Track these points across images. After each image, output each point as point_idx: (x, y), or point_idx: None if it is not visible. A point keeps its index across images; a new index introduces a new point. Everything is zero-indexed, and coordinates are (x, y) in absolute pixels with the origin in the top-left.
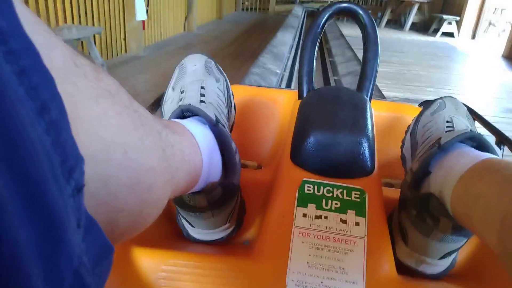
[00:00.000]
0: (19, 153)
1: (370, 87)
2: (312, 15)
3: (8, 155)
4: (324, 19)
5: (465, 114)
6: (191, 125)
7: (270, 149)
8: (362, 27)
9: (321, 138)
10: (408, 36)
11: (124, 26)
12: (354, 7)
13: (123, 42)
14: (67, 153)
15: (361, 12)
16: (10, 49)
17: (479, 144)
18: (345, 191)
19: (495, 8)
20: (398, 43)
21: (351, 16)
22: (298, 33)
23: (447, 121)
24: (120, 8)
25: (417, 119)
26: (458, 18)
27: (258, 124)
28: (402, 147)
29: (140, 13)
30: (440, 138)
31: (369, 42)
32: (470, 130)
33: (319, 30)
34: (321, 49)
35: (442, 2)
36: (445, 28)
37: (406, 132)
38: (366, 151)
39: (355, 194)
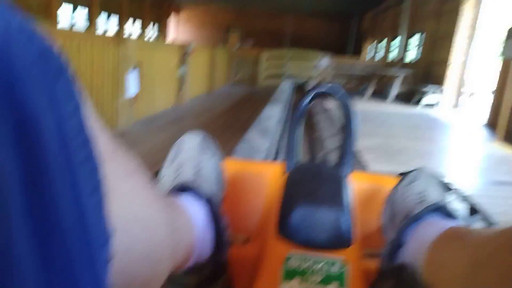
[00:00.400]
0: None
1: (349, 162)
2: (300, 90)
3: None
4: (308, 100)
5: (438, 185)
6: (187, 201)
7: (258, 222)
8: (341, 107)
9: (304, 212)
10: (392, 107)
11: (115, 101)
12: (334, 89)
13: (112, 117)
14: (102, 228)
15: (340, 93)
16: (82, 139)
17: (448, 213)
18: (327, 263)
19: (474, 79)
20: (383, 115)
21: (332, 96)
22: (286, 106)
23: (420, 192)
24: (112, 83)
25: (394, 191)
26: (440, 89)
27: (247, 197)
28: (382, 219)
29: (132, 88)
30: (412, 209)
31: (348, 121)
32: (440, 200)
33: (304, 110)
34: (308, 122)
35: (423, 73)
36: (428, 99)
37: (385, 203)
38: (346, 224)
39: (337, 266)
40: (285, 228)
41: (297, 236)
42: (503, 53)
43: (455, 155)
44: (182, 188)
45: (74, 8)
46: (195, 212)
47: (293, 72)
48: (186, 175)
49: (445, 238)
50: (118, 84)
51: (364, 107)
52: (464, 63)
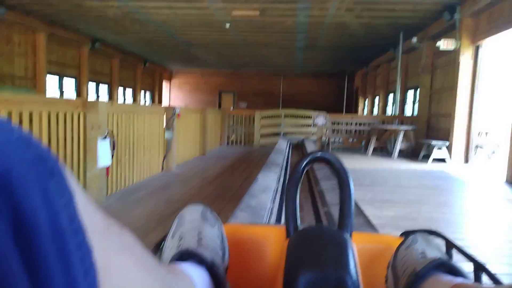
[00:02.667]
0: None
1: (350, 223)
2: (297, 148)
3: None
4: (303, 166)
5: (435, 247)
6: (189, 268)
7: (263, 286)
8: (335, 172)
9: (309, 277)
10: (398, 165)
11: (84, 173)
12: (327, 156)
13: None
14: None
15: (333, 159)
16: (74, 229)
17: (451, 269)
18: None
19: (479, 132)
20: (392, 174)
21: (325, 163)
22: (283, 171)
23: (421, 253)
24: (80, 153)
25: (395, 254)
26: (447, 143)
27: (249, 262)
28: (386, 281)
29: (104, 159)
30: (415, 268)
31: (344, 185)
32: (442, 257)
33: (299, 175)
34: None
35: (426, 128)
36: (436, 154)
37: (388, 267)
38: (351, 286)
39: None
40: None
41: None
42: None
43: (491, 224)
44: (184, 256)
45: (60, 78)
46: (198, 279)
47: (288, 131)
48: (188, 244)
49: None
50: (88, 154)
51: (371, 166)
52: (470, 115)
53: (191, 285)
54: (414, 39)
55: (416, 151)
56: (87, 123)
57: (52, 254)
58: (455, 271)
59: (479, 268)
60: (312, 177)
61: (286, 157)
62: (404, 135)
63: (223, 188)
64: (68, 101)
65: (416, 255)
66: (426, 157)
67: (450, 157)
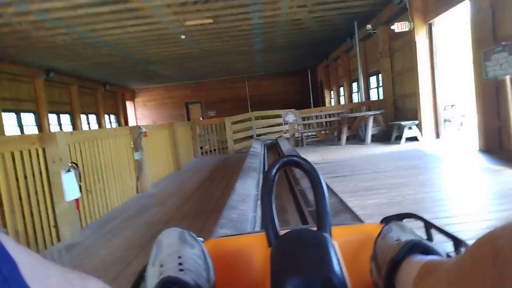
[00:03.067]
0: None
1: (327, 222)
2: (272, 148)
3: None
4: (274, 172)
5: (410, 232)
6: None
7: None
8: (307, 173)
9: (295, 283)
10: (373, 149)
11: (53, 209)
12: (297, 159)
13: (53, 230)
14: None
15: (303, 162)
16: None
17: (425, 249)
18: None
19: (445, 106)
20: (369, 160)
21: (296, 166)
22: (260, 174)
23: (396, 240)
24: (45, 189)
25: (374, 247)
26: (417, 122)
27: (237, 274)
28: (371, 275)
29: (71, 192)
30: (391, 255)
31: (316, 184)
32: (414, 239)
33: (272, 182)
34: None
35: (394, 110)
36: (407, 133)
37: (370, 261)
38: (339, 285)
39: None
40: None
41: None
42: (486, 75)
43: (472, 197)
44: (166, 284)
45: (18, 115)
46: None
47: (261, 132)
48: (169, 271)
49: (421, 275)
50: (54, 190)
51: (346, 155)
52: (434, 91)
53: None
54: (369, 26)
55: (387, 134)
56: (48, 158)
57: None
58: (429, 250)
59: (459, 244)
60: (291, 177)
61: (262, 160)
62: (374, 120)
63: (203, 202)
64: (23, 137)
65: (392, 243)
66: (399, 138)
67: (422, 134)
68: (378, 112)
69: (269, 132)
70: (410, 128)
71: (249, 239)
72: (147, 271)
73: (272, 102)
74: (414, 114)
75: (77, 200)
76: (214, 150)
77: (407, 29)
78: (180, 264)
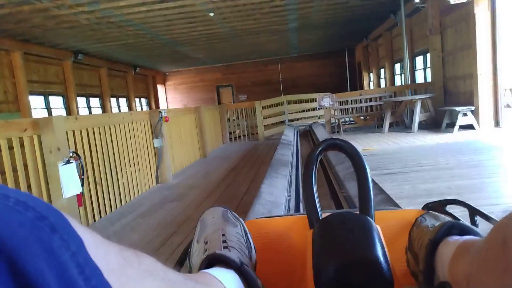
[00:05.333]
0: None
1: (371, 206)
2: (305, 136)
3: None
4: (317, 154)
5: (443, 219)
6: (218, 272)
7: (294, 278)
8: (350, 157)
9: (340, 265)
10: (423, 138)
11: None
12: (339, 142)
13: None
14: None
15: (345, 145)
16: (86, 275)
17: (462, 230)
18: None
19: (505, 89)
20: (422, 152)
21: (339, 149)
22: (294, 169)
23: (431, 227)
24: (42, 183)
25: (410, 237)
26: (473, 108)
27: (277, 255)
28: (408, 265)
29: (70, 187)
30: (429, 238)
31: (359, 168)
32: (451, 220)
33: (314, 165)
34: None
35: (443, 94)
36: (461, 121)
37: (406, 252)
38: (383, 268)
39: None
40: (323, 284)
41: None
42: None
43: None
44: (212, 260)
45: (46, 97)
46: (227, 281)
47: (293, 117)
48: (214, 248)
49: (457, 255)
50: (51, 184)
51: (392, 145)
52: (494, 73)
53: None
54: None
55: (436, 121)
56: (44, 147)
57: None
58: (467, 231)
59: (475, 213)
60: (325, 161)
61: (294, 150)
62: (422, 105)
63: (226, 199)
64: (10, 123)
65: (427, 229)
66: (450, 126)
67: (478, 122)
68: (427, 96)
69: (303, 118)
70: (465, 114)
71: (290, 221)
72: (191, 248)
73: (306, 85)
74: (468, 99)
75: (78, 195)
76: (244, 136)
77: (464, 0)
78: (224, 241)
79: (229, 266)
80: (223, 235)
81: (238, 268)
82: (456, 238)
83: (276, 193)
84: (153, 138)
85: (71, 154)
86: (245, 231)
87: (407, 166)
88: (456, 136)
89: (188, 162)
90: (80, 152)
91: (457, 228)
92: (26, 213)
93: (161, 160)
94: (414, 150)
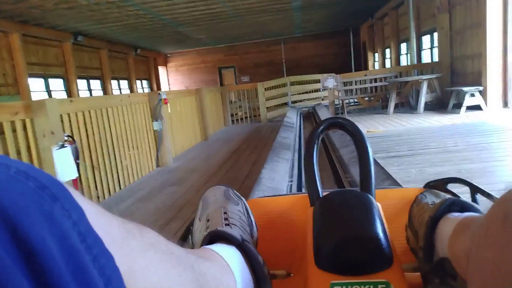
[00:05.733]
0: None
1: (372, 183)
2: (309, 117)
3: None
4: (319, 132)
5: (444, 197)
6: (220, 248)
7: (295, 255)
8: (352, 135)
9: (339, 241)
10: (429, 120)
11: None
12: (341, 120)
13: None
14: None
15: (347, 123)
16: (88, 244)
17: (463, 207)
18: (371, 287)
19: None
20: (428, 134)
21: (340, 128)
22: (296, 153)
23: (431, 204)
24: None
25: (410, 215)
26: (481, 88)
27: (278, 233)
28: (408, 242)
29: (65, 172)
30: (429, 215)
31: (360, 146)
32: (452, 197)
33: (316, 143)
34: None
35: (450, 74)
36: (468, 101)
37: (406, 229)
38: (382, 245)
39: (383, 287)
40: (323, 260)
41: (337, 266)
42: None
43: None
44: (214, 237)
45: (46, 80)
46: (229, 257)
47: (297, 99)
48: (216, 225)
49: (457, 231)
50: (45, 169)
51: (398, 126)
52: (504, 52)
53: (224, 266)
54: None
55: (442, 102)
56: (37, 131)
57: (67, 276)
58: (467, 208)
59: (475, 191)
60: (329, 144)
61: (297, 133)
62: (428, 85)
63: (227, 182)
64: (1, 106)
65: (427, 207)
66: (457, 106)
67: (486, 103)
68: (434, 76)
69: (306, 99)
70: (472, 95)
71: (291, 200)
72: (194, 226)
73: (309, 66)
74: (476, 79)
75: (74, 180)
76: (246, 118)
77: None
78: (225, 219)
79: (230, 242)
80: (225, 213)
81: (239, 245)
82: (457, 215)
83: (278, 178)
84: (152, 121)
85: (66, 138)
86: (246, 209)
87: (414, 149)
88: (463, 117)
89: (189, 145)
90: (76, 135)
91: (457, 204)
92: (27, 183)
93: (161, 143)
94: (420, 132)
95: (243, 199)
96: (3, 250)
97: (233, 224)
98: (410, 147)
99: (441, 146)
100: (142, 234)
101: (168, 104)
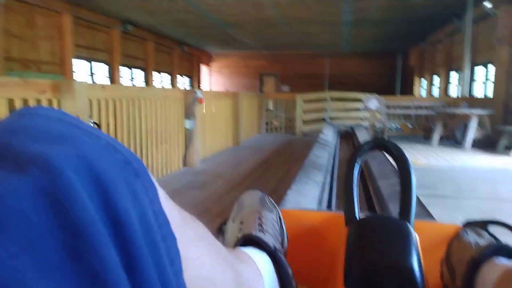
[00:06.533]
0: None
1: (412, 213)
2: (346, 138)
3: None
4: (363, 151)
5: (487, 237)
6: (253, 253)
7: (320, 273)
8: (395, 159)
9: (372, 267)
10: (477, 160)
11: None
12: (386, 143)
13: None
14: None
15: (392, 146)
16: (159, 223)
17: (509, 253)
18: None
19: None
20: (477, 176)
21: (385, 150)
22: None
23: (474, 243)
24: None
25: (448, 250)
26: None
27: (307, 248)
28: (441, 278)
29: None
30: (472, 255)
31: (404, 172)
32: (499, 242)
33: (359, 163)
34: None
35: (504, 112)
36: None
37: (441, 265)
38: (416, 276)
39: None
40: (353, 282)
41: None
42: None
43: None
44: (247, 241)
45: (90, 63)
46: (261, 264)
47: (335, 116)
48: (249, 229)
49: (506, 279)
50: None
51: (442, 161)
52: None
53: (257, 270)
54: (487, 4)
55: (492, 140)
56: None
57: (145, 249)
58: None
59: None
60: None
61: (333, 153)
62: (478, 121)
63: None
64: (27, 82)
65: (469, 246)
66: (508, 148)
67: None
68: (485, 112)
69: (344, 118)
70: None
71: (323, 216)
72: (226, 226)
73: (352, 83)
74: None
75: None
76: (280, 128)
77: None
78: (259, 225)
79: (263, 248)
80: (259, 218)
81: (271, 252)
82: (505, 262)
83: (304, 202)
84: (184, 119)
85: (92, 124)
86: (280, 218)
87: (460, 190)
88: None
89: (219, 148)
90: (104, 123)
91: (505, 250)
92: (115, 155)
93: (190, 143)
94: (467, 172)
95: (278, 207)
96: (97, 214)
97: (266, 231)
98: (456, 188)
99: (491, 192)
100: (195, 224)
101: (204, 103)
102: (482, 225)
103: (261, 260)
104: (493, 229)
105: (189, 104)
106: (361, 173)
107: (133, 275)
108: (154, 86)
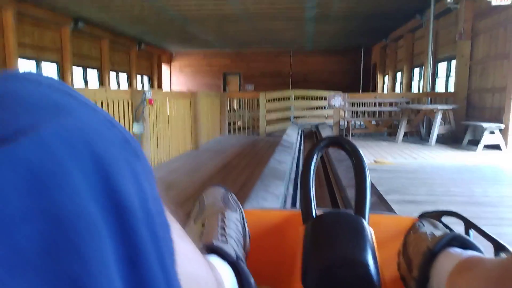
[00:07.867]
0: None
1: (366, 207)
2: (310, 137)
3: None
4: (317, 150)
5: (442, 229)
6: (215, 262)
7: (281, 272)
8: (349, 155)
9: (327, 263)
10: (442, 154)
11: None
12: (340, 140)
13: None
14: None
15: (345, 143)
16: (157, 210)
17: (464, 243)
18: None
19: None
20: (448, 175)
21: (340, 147)
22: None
23: (429, 234)
24: None
25: (404, 242)
26: (502, 126)
27: (267, 247)
28: (399, 269)
29: None
30: (427, 246)
31: (358, 168)
32: (453, 233)
33: (314, 161)
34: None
35: (466, 106)
36: (487, 139)
37: (398, 255)
38: (371, 270)
39: None
40: (310, 280)
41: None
42: None
43: None
44: (209, 250)
45: (38, 63)
46: (223, 274)
47: (299, 114)
48: (211, 236)
49: (460, 269)
50: None
51: (409, 159)
52: None
53: (219, 279)
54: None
55: (456, 135)
56: None
57: (149, 242)
58: (468, 245)
59: (499, 248)
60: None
61: (296, 156)
62: (442, 116)
63: None
64: None
65: (425, 237)
66: (472, 143)
67: (506, 143)
68: (450, 107)
69: (309, 116)
70: (492, 132)
71: (283, 215)
72: (188, 227)
73: (316, 81)
74: (495, 115)
75: None
76: (244, 129)
77: (509, 2)
78: (222, 228)
79: (225, 258)
80: (222, 220)
81: (233, 263)
82: (458, 251)
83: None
84: (133, 122)
85: None
86: (243, 218)
87: (434, 194)
88: (480, 156)
89: (176, 153)
90: None
91: (458, 240)
92: (114, 132)
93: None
94: (438, 171)
95: (241, 207)
96: (94, 204)
97: (229, 235)
98: (430, 191)
99: (467, 194)
100: (175, 222)
101: (154, 105)
102: (437, 216)
103: (223, 270)
104: (447, 219)
105: (137, 106)
106: (325, 169)
107: (136, 271)
108: (95, 87)
